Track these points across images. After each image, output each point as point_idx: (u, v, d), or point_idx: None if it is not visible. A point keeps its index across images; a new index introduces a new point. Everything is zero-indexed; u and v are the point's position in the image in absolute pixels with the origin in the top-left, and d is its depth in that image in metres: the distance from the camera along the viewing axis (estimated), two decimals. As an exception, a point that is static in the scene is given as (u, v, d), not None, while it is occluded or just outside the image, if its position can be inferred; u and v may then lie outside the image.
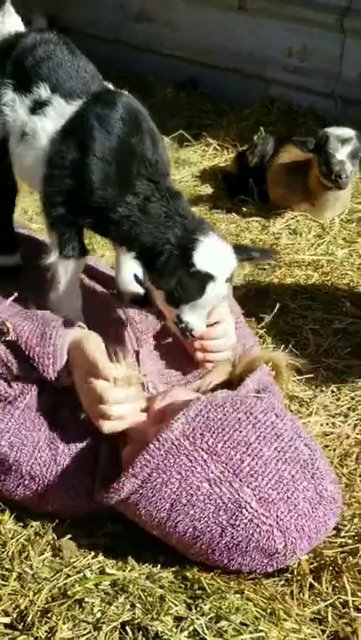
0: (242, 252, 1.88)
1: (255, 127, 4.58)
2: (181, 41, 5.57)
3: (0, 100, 2.01)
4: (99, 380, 1.78)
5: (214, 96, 5.28)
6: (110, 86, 2.04)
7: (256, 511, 1.70)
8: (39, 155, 1.93)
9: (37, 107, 1.94)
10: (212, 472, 1.72)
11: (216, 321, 1.99)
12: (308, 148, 3.57)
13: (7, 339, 1.86)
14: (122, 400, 1.79)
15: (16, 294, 2.07)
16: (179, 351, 2.14)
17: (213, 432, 1.75)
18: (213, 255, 1.77)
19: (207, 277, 1.76)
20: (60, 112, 1.92)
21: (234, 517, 1.71)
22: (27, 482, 1.91)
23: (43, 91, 1.94)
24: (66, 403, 1.93)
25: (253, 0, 5.12)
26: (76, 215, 1.92)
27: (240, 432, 1.74)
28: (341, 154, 3.48)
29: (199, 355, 2.02)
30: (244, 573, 1.83)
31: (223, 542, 1.73)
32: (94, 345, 1.84)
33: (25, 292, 2.12)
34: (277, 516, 1.71)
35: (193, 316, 1.84)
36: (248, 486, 1.71)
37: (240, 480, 1.72)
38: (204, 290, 1.77)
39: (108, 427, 1.80)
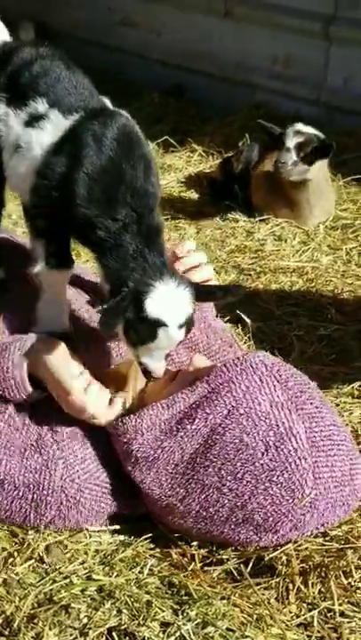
0: (203, 292, 1.87)
1: (240, 133, 4.59)
2: (168, 46, 5.60)
3: None
4: (72, 396, 1.87)
5: (200, 102, 5.29)
6: (108, 102, 2.02)
7: (303, 445, 1.77)
8: (32, 164, 1.90)
9: (34, 120, 1.91)
10: (278, 397, 1.81)
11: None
12: (270, 132, 3.69)
13: None
14: (101, 405, 1.89)
15: None
16: None
17: (289, 374, 1.87)
18: (165, 302, 1.77)
19: (158, 324, 1.77)
20: (56, 125, 1.89)
21: (281, 441, 1.76)
22: (21, 493, 1.91)
23: (40, 105, 1.91)
24: (52, 406, 1.95)
25: (239, 7, 5.14)
26: (61, 227, 1.91)
27: (309, 387, 1.88)
28: (290, 142, 3.55)
29: (181, 269, 2.04)
30: (229, 578, 1.84)
31: (260, 463, 1.76)
32: (55, 356, 1.91)
33: (7, 306, 2.14)
34: (317, 462, 1.78)
35: (149, 358, 1.84)
36: (304, 423, 1.79)
37: (298, 415, 1.80)
38: (155, 335, 1.78)
39: (100, 422, 1.91)
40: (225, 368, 1.86)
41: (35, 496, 1.91)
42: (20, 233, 3.09)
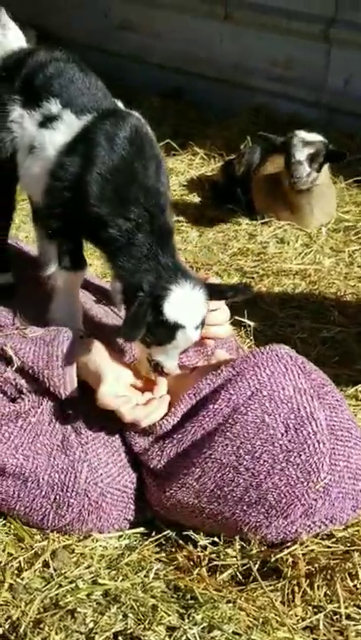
0: (216, 292, 1.88)
1: (242, 136, 4.60)
2: (167, 50, 5.60)
3: (8, 117, 2.00)
4: (116, 402, 1.85)
5: (200, 105, 5.30)
6: (120, 104, 2.03)
7: (322, 430, 1.79)
8: (45, 165, 1.91)
9: (47, 121, 1.93)
10: (301, 384, 1.83)
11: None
12: (272, 143, 3.66)
13: (13, 368, 1.90)
14: (146, 412, 1.87)
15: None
16: None
17: (313, 368, 1.93)
18: (183, 305, 1.78)
19: (177, 326, 1.78)
20: (69, 125, 1.90)
21: (301, 424, 1.79)
22: (44, 492, 1.92)
23: (53, 106, 1.93)
24: (81, 408, 1.95)
25: (239, 10, 5.15)
26: (74, 228, 1.92)
27: (330, 383, 1.94)
28: (300, 155, 3.53)
29: None
30: (235, 582, 1.84)
31: (279, 443, 1.78)
32: (100, 357, 1.89)
33: (16, 309, 2.15)
34: (335, 449, 1.81)
35: (164, 356, 1.86)
36: (324, 411, 1.82)
37: (320, 403, 1.82)
38: (173, 337, 1.80)
39: (145, 424, 1.89)
40: (251, 355, 1.89)
41: (57, 497, 1.92)
42: (23, 237, 3.10)
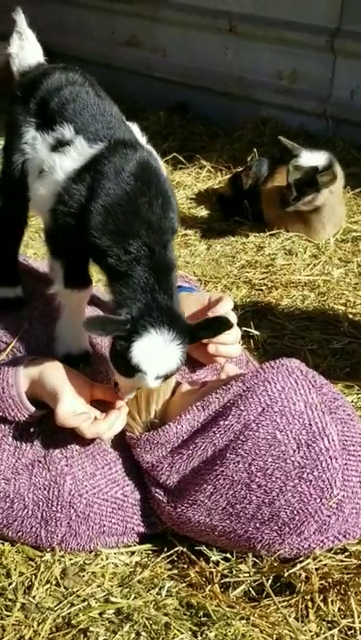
0: (196, 336, 1.84)
1: (248, 149, 4.61)
2: (172, 64, 5.62)
3: (22, 138, 2.00)
4: (75, 420, 1.85)
5: (206, 119, 5.32)
6: (136, 129, 2.01)
7: (335, 446, 1.78)
8: (53, 187, 1.90)
9: (59, 145, 1.91)
10: (312, 399, 1.82)
11: (222, 315, 2.03)
12: (289, 149, 3.62)
13: None
14: (106, 425, 1.88)
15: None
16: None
17: (323, 382, 1.92)
18: (152, 352, 1.74)
19: (137, 369, 1.75)
20: (80, 153, 1.88)
21: (313, 439, 1.77)
22: (30, 512, 1.92)
23: (67, 131, 1.91)
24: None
25: (243, 23, 5.16)
26: (76, 250, 1.90)
27: (341, 397, 1.92)
28: (291, 177, 3.55)
29: (211, 347, 2.06)
30: (248, 598, 1.83)
31: (291, 460, 1.77)
32: (54, 376, 1.89)
33: (21, 326, 2.16)
34: (347, 464, 1.80)
35: (122, 384, 1.85)
36: (336, 426, 1.81)
37: (332, 418, 1.81)
38: (132, 376, 1.78)
39: (108, 436, 1.91)
40: (261, 369, 1.89)
41: (44, 513, 1.92)
42: (31, 254, 3.10)
